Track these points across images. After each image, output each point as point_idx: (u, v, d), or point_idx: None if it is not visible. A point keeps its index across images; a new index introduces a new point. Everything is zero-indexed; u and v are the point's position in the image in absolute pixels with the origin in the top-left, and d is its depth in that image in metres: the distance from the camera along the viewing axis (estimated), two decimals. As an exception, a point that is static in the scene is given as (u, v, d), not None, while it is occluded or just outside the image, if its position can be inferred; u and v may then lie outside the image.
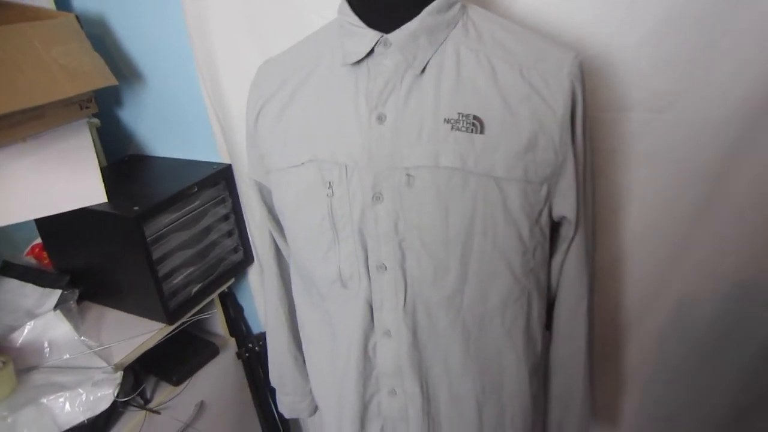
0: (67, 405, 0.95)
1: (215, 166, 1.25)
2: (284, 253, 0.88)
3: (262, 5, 1.01)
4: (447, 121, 0.61)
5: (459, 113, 0.61)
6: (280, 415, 1.48)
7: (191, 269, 1.20)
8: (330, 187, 0.66)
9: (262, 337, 1.44)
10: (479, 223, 0.63)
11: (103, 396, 0.97)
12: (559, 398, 0.82)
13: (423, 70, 0.62)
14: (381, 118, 0.63)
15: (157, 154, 1.39)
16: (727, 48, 0.72)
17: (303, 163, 0.68)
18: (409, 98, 0.62)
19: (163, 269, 1.10)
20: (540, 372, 0.78)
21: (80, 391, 0.96)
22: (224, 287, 1.33)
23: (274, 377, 0.99)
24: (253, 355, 1.44)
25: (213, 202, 1.25)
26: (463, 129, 0.61)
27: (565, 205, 0.68)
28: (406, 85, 0.62)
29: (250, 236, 1.34)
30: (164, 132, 1.35)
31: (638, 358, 0.99)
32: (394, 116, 0.63)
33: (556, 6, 0.77)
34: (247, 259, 1.35)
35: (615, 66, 0.78)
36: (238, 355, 1.42)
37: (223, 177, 1.26)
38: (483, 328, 0.70)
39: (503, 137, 0.61)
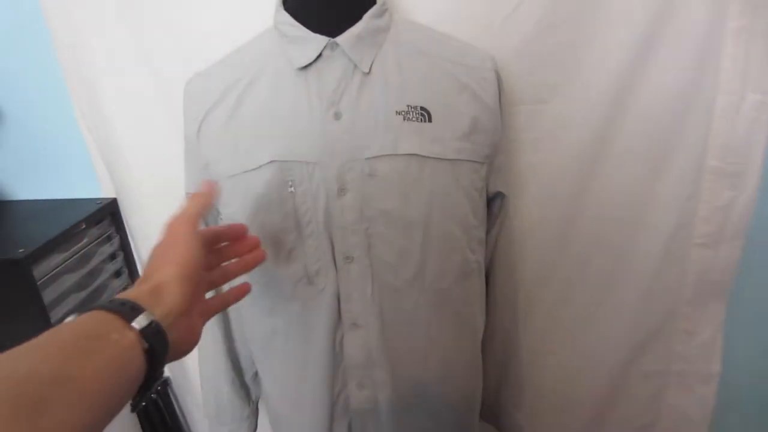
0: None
1: (98, 202, 1.14)
2: None
3: (145, 22, 0.97)
4: (398, 113, 0.67)
5: (408, 105, 0.68)
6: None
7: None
8: (292, 185, 0.67)
9: (160, 381, 1.32)
10: (437, 203, 0.69)
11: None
12: (499, 362, 0.90)
13: (369, 70, 0.67)
14: (337, 116, 0.67)
15: (19, 198, 1.22)
16: (590, 43, 0.88)
17: (261, 166, 0.68)
18: (361, 95, 0.67)
19: (56, 315, 0.97)
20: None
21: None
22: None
23: (209, 409, 0.92)
24: (152, 405, 1.31)
25: (98, 240, 1.14)
26: (414, 119, 0.67)
27: (499, 180, 0.77)
28: (356, 84, 0.67)
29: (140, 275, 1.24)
30: (27, 172, 1.20)
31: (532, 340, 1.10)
32: (349, 113, 0.67)
33: (448, 13, 0.87)
34: (141, 300, 1.24)
35: (503, 65, 0.90)
36: (133, 406, 1.28)
37: (108, 213, 1.16)
38: (443, 305, 0.75)
39: (448, 124, 0.69)
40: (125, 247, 1.21)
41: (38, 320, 0.93)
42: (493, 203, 0.81)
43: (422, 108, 0.68)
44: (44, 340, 0.37)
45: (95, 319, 0.41)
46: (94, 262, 1.12)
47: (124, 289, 1.21)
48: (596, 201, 1.00)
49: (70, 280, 1.02)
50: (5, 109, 1.14)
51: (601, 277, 1.04)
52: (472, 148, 0.71)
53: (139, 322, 0.41)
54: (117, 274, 1.20)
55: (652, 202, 0.99)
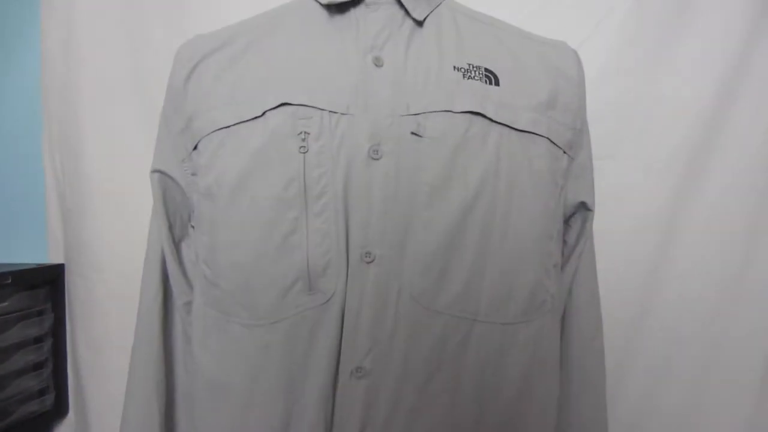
0: None
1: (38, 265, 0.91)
2: (177, 287, 0.59)
3: (147, 49, 0.87)
4: (457, 68, 0.52)
5: (469, 63, 0.53)
6: None
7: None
8: (305, 140, 0.48)
9: None
10: (503, 187, 0.49)
11: None
12: None
13: (423, 22, 0.54)
14: (378, 61, 0.51)
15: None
16: (663, 94, 0.79)
17: (265, 112, 0.49)
18: (410, 46, 0.53)
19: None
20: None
21: None
22: (13, 450, 0.85)
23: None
24: None
25: (24, 312, 0.87)
26: (476, 78, 0.52)
27: (581, 188, 0.58)
28: (405, 34, 0.53)
29: (69, 375, 0.93)
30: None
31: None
32: (393, 61, 0.51)
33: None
34: (59, 409, 0.91)
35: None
36: None
37: (46, 280, 0.91)
38: (505, 352, 0.49)
39: (520, 91, 0.53)
40: (57, 334, 0.93)
41: None
42: (572, 223, 0.60)
43: (487, 70, 0.53)
44: None
45: None
46: (12, 338, 0.84)
47: (41, 391, 0.89)
48: (669, 284, 0.81)
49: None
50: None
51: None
52: (550, 125, 0.53)
53: None
54: (36, 367, 0.90)
55: (740, 290, 0.80)
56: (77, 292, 0.92)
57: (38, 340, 0.90)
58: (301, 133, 0.48)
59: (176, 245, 0.59)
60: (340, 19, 0.53)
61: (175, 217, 0.59)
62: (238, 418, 0.49)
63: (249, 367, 0.49)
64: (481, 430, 0.48)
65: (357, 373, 0.46)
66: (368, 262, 0.47)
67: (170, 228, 0.59)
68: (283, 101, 0.49)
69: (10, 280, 0.81)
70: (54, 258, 0.94)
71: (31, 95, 0.94)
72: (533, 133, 0.52)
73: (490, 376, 0.48)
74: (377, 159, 0.47)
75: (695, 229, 0.80)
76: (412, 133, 0.48)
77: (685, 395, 0.81)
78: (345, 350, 0.46)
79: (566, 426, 0.58)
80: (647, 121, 0.80)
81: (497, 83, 0.52)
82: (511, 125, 0.51)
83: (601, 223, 0.61)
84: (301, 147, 0.48)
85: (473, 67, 0.52)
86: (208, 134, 0.52)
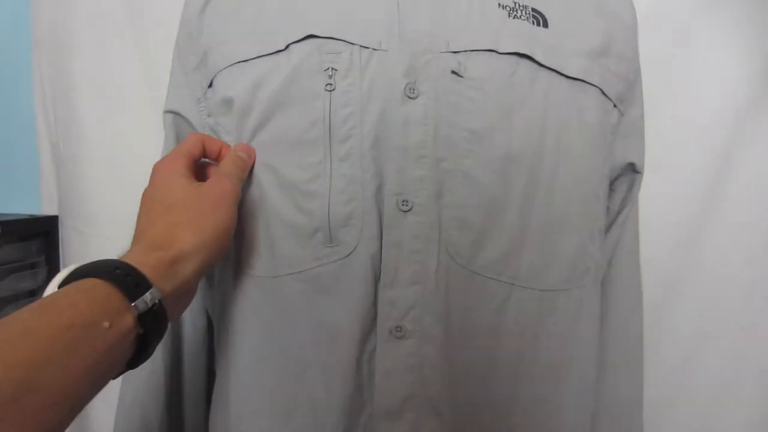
0: None
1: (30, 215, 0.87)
2: None
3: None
4: (503, 6, 0.47)
5: (515, 2, 0.47)
6: None
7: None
8: (332, 77, 0.43)
9: None
10: (551, 137, 0.45)
11: None
12: None
13: None
14: None
15: None
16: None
17: (289, 45, 0.45)
18: None
19: None
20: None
21: None
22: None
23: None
24: None
25: (16, 264, 0.84)
26: (523, 18, 0.47)
27: (631, 147, 0.53)
28: None
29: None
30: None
31: None
32: None
33: None
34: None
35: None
36: None
37: (39, 232, 0.87)
38: (543, 319, 0.46)
39: (570, 35, 0.48)
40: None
41: None
42: (616, 186, 0.55)
43: (534, 10, 0.48)
44: (20, 328, 0.29)
45: (90, 295, 0.32)
46: (3, 290, 0.81)
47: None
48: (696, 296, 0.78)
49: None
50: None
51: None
52: (601, 74, 0.48)
53: (142, 303, 0.33)
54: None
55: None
56: (71, 246, 0.88)
57: (32, 293, 0.87)
58: (328, 69, 0.44)
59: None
60: None
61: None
62: (272, 381, 0.46)
63: (265, 323, 0.45)
64: (514, 406, 0.45)
65: (397, 333, 0.42)
66: (405, 211, 0.42)
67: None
68: (310, 33, 0.44)
69: (0, 231, 0.77)
70: (47, 210, 0.90)
71: (20, 39, 0.88)
72: (584, 81, 0.47)
73: (527, 348, 0.44)
74: (414, 98, 0.43)
75: (737, 196, 0.76)
76: (453, 72, 0.43)
77: (718, 374, 0.79)
78: (382, 307, 0.42)
79: (602, 403, 0.55)
80: (686, 81, 0.75)
81: (545, 25, 0.47)
82: (560, 71, 0.46)
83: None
84: (327, 85, 0.43)
85: (519, 5, 0.47)
86: (225, 68, 0.47)
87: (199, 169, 0.45)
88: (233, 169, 0.43)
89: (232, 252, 0.47)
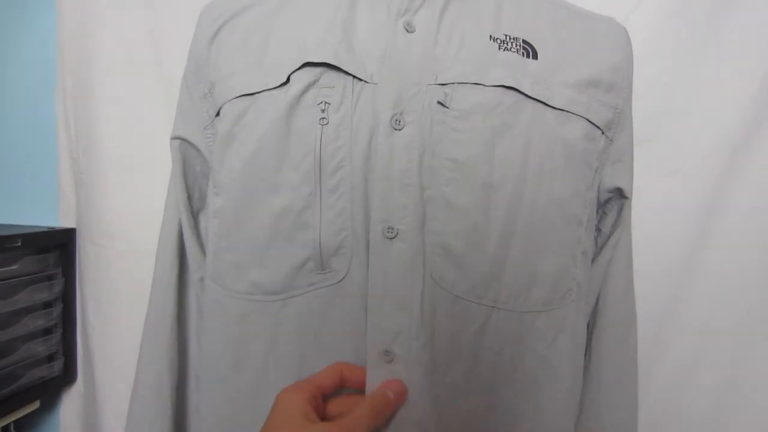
0: None
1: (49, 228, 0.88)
2: (193, 261, 0.56)
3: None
4: (493, 39, 0.48)
5: (505, 35, 0.49)
6: None
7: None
8: (325, 111, 0.45)
9: None
10: (534, 168, 0.45)
11: None
12: None
13: None
14: (409, 27, 0.47)
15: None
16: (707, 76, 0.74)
17: (289, 77, 0.46)
18: (446, 12, 0.49)
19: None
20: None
21: None
22: (20, 413, 0.83)
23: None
24: None
25: (34, 276, 0.85)
26: (513, 50, 0.48)
27: (619, 172, 0.54)
28: (440, 2, 0.49)
29: (78, 341, 0.92)
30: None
31: None
32: (425, 27, 0.48)
33: None
34: (67, 376, 0.90)
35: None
36: None
37: (57, 244, 0.88)
38: (520, 341, 0.46)
39: (559, 67, 0.49)
40: (67, 299, 0.91)
41: None
42: (607, 210, 0.56)
43: (525, 41, 0.49)
44: None
45: None
46: (20, 302, 0.82)
47: (50, 357, 0.88)
48: (705, 285, 0.78)
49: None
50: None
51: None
52: (588, 104, 0.49)
53: None
54: (46, 333, 0.88)
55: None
56: (88, 259, 0.90)
57: (48, 305, 0.88)
58: (321, 103, 0.45)
59: (194, 217, 0.56)
60: None
61: (194, 187, 0.56)
62: (250, 398, 0.47)
63: (259, 344, 0.46)
64: (494, 426, 0.46)
65: (386, 357, 0.43)
66: (390, 238, 0.43)
67: (189, 199, 0.56)
68: (307, 60, 0.45)
69: (19, 243, 0.79)
70: (65, 222, 0.92)
71: (46, 55, 0.91)
72: (570, 112, 0.48)
73: (506, 366, 0.45)
74: (399, 129, 0.44)
75: (733, 221, 0.76)
76: (439, 102, 0.44)
77: (714, 396, 0.78)
78: (371, 331, 0.43)
79: (596, 424, 0.55)
80: (689, 104, 0.76)
81: (535, 56, 0.48)
82: (546, 102, 0.47)
83: (635, 210, 0.57)
84: (321, 119, 0.45)
85: (510, 38, 0.48)
86: (231, 100, 0.48)
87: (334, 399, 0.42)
88: (366, 414, 0.40)
89: (225, 276, 0.48)
